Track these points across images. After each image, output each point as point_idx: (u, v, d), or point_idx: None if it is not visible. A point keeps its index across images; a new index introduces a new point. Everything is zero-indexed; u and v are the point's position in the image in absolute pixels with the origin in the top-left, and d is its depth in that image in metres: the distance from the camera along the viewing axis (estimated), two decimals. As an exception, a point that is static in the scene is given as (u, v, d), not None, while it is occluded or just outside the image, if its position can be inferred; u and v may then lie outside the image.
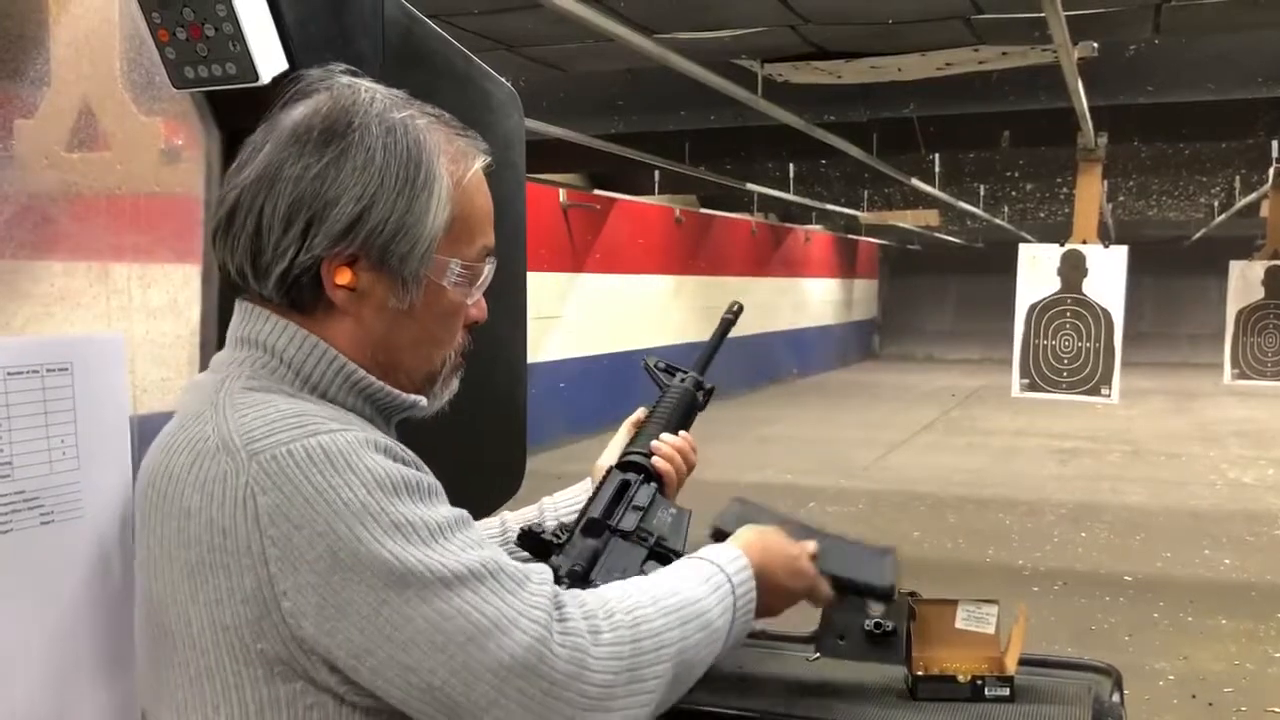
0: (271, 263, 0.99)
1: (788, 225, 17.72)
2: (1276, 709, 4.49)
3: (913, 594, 1.43)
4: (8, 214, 1.12)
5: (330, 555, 0.90)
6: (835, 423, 13.06)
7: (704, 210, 14.53)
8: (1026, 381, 6.77)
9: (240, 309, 1.05)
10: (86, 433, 1.02)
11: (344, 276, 0.99)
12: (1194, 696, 4.62)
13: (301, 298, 1.01)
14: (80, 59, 1.19)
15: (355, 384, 1.03)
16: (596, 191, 11.74)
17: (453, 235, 1.03)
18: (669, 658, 1.00)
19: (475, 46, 1.46)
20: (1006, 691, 1.29)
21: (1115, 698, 1.28)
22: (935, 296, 23.79)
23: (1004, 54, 5.05)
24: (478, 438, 1.42)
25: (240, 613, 0.92)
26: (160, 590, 0.97)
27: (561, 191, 11.05)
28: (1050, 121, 6.84)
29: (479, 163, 1.07)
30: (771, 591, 1.15)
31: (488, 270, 1.09)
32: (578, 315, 11.67)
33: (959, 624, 1.36)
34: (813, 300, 19.79)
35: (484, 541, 0.99)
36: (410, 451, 1.02)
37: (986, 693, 1.28)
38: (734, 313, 1.59)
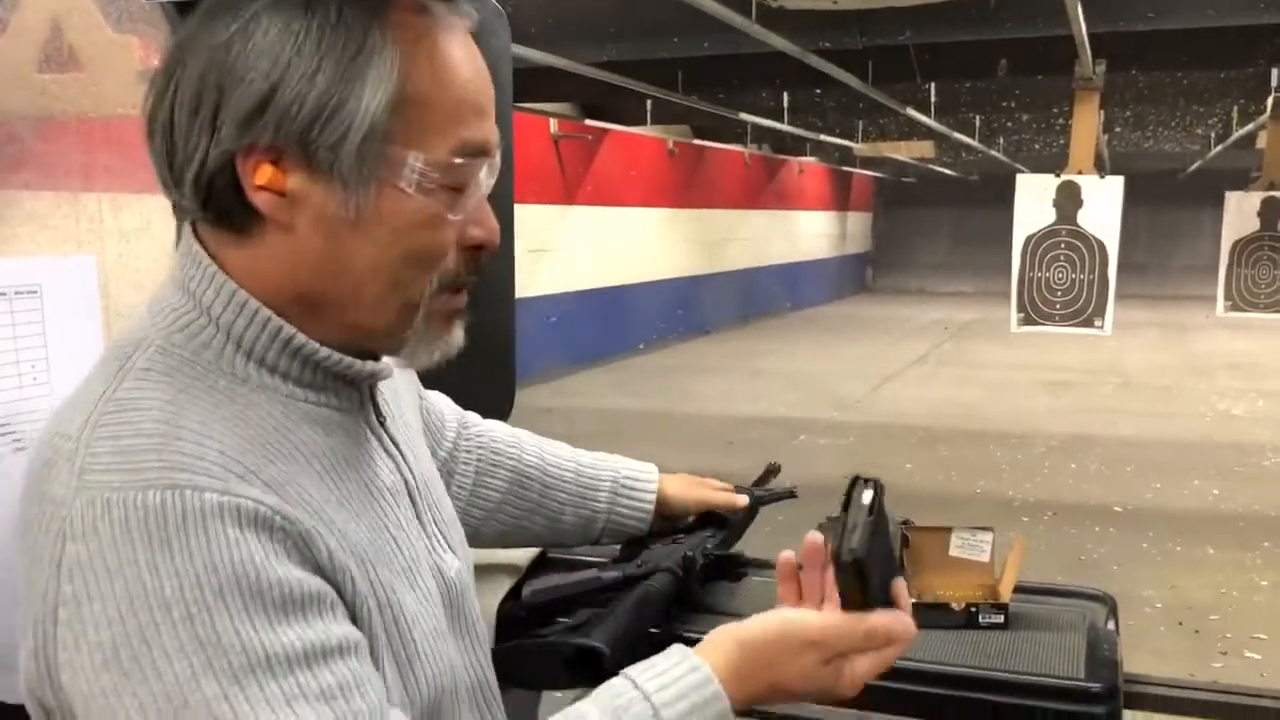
0: (183, 164, 0.79)
1: (781, 157, 17.57)
2: (1262, 635, 4.55)
3: (906, 521, 1.41)
4: (-26, 133, 1.08)
5: (111, 648, 0.69)
6: (828, 356, 13.06)
7: (697, 141, 14.38)
8: (1022, 316, 6.75)
9: (183, 234, 0.85)
10: (58, 358, 0.99)
11: (264, 175, 0.77)
12: (1181, 624, 4.68)
13: (225, 209, 0.79)
14: (45, -32, 1.14)
15: (290, 347, 0.82)
16: (588, 122, 11.60)
17: (407, 120, 0.79)
18: None
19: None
20: (1001, 619, 1.28)
21: (1110, 625, 1.27)
22: (929, 229, 23.71)
23: (1004, -22, 4.95)
24: (465, 370, 1.39)
25: (28, 666, 0.75)
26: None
27: (552, 121, 10.92)
28: (1048, 49, 6.74)
29: (454, 26, 0.82)
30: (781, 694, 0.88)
31: (481, 175, 0.83)
32: (569, 249, 11.60)
33: (953, 551, 1.35)
34: (806, 233, 19.70)
35: (349, 688, 0.73)
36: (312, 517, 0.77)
37: (981, 620, 1.27)
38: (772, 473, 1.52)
